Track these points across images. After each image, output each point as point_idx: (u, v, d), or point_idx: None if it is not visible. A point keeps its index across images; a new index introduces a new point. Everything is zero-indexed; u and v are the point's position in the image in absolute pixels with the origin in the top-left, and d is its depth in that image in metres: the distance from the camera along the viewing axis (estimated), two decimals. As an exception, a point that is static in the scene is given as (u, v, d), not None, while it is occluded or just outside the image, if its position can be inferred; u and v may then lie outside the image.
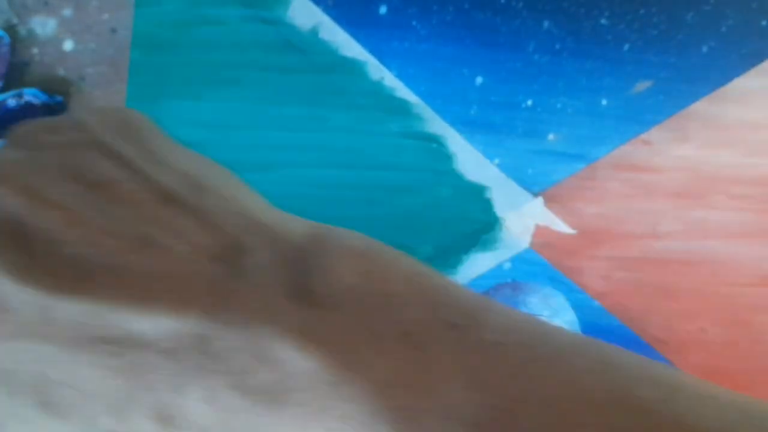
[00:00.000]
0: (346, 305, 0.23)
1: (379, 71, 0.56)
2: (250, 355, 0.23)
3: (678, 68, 0.56)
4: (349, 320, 0.23)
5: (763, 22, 0.56)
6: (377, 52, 0.56)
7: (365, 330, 0.23)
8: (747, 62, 0.56)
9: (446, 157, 0.56)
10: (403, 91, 0.56)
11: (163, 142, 0.30)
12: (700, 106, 0.56)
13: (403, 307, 0.24)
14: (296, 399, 0.22)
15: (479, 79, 0.56)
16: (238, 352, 0.23)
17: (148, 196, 0.26)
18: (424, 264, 0.26)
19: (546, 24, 0.56)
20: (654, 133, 0.56)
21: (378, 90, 0.56)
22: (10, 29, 0.53)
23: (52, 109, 0.53)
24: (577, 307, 0.56)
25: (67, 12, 0.54)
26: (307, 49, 0.56)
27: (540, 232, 0.56)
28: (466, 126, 0.56)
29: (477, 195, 0.56)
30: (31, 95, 0.53)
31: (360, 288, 0.24)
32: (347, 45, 0.56)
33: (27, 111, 0.53)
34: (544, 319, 0.27)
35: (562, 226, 0.56)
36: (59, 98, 0.54)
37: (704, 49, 0.56)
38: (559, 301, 0.55)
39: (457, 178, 0.56)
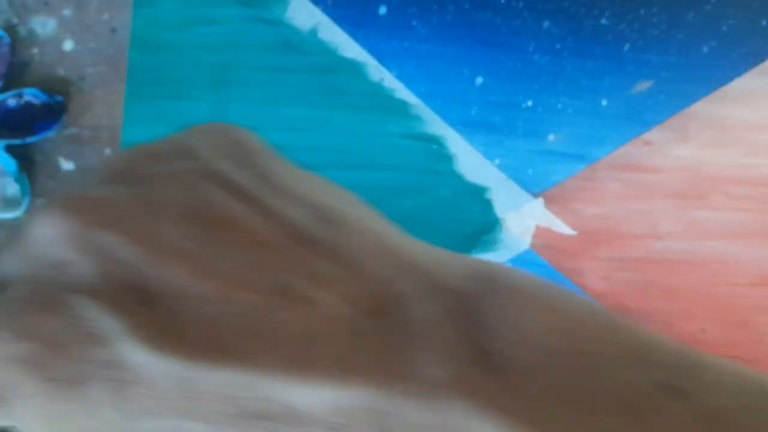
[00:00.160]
0: (541, 371, 0.19)
1: (378, 72, 0.56)
2: None
3: (678, 68, 0.56)
4: (547, 387, 0.19)
5: (764, 22, 0.56)
6: (377, 52, 0.56)
7: (568, 399, 0.19)
8: (748, 62, 0.56)
9: (446, 158, 0.56)
10: (402, 91, 0.56)
11: (278, 164, 0.25)
12: (701, 106, 0.56)
13: (612, 370, 0.20)
14: None
15: (479, 80, 0.56)
16: (426, 430, 0.19)
17: (278, 236, 0.22)
18: (616, 313, 0.22)
19: (546, 24, 0.56)
20: (654, 133, 0.56)
21: (378, 90, 0.56)
22: (10, 29, 0.53)
23: (53, 108, 0.53)
24: (578, 307, 0.56)
25: (67, 12, 0.54)
26: (306, 49, 0.56)
27: (540, 232, 0.56)
28: (466, 126, 0.56)
29: (477, 196, 0.56)
30: (31, 95, 0.53)
31: (549, 346, 0.20)
32: (347, 45, 0.56)
33: (27, 111, 0.53)
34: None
35: (562, 227, 0.56)
36: (59, 98, 0.54)
37: (705, 49, 0.56)
38: (560, 301, 0.55)
39: (457, 179, 0.56)
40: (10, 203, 0.53)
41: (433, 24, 0.56)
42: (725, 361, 0.21)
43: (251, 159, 0.24)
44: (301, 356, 0.19)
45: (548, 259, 0.56)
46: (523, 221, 0.56)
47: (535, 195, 0.56)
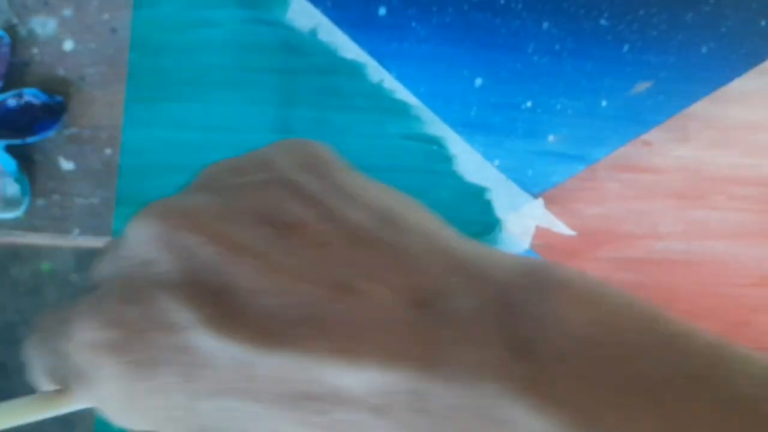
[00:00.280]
0: (576, 358, 0.21)
1: (378, 73, 0.56)
2: (474, 414, 0.21)
3: (678, 69, 0.56)
4: (585, 376, 0.20)
5: (763, 23, 0.56)
6: (377, 53, 0.56)
7: (606, 388, 0.20)
8: (747, 62, 0.56)
9: (446, 159, 0.56)
10: (402, 92, 0.56)
11: (350, 175, 0.28)
12: (700, 107, 0.56)
13: (644, 360, 0.21)
14: None
15: (479, 81, 0.56)
16: (460, 412, 0.21)
17: (342, 237, 0.24)
18: (658, 308, 0.23)
19: (545, 25, 0.56)
20: (654, 134, 0.56)
21: (377, 91, 0.56)
22: (10, 29, 0.54)
23: (53, 108, 0.53)
24: (578, 307, 0.56)
25: (67, 12, 0.54)
26: (306, 50, 0.56)
27: (540, 233, 0.56)
28: (465, 127, 0.56)
29: (477, 196, 0.56)
30: (31, 95, 0.53)
31: (590, 338, 0.21)
32: (346, 46, 0.56)
33: (27, 111, 0.53)
34: None
35: (562, 228, 0.56)
36: (59, 98, 0.54)
37: (704, 49, 0.56)
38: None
39: (457, 180, 0.56)
40: (10, 203, 0.53)
41: (432, 25, 0.56)
42: (762, 354, 0.22)
43: (324, 170, 0.27)
44: (349, 342, 0.21)
45: (548, 259, 0.56)
46: (523, 222, 0.56)
47: (535, 195, 0.56)
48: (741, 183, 0.56)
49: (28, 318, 0.53)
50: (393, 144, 0.56)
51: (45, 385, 0.26)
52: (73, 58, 0.54)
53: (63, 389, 0.25)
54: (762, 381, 0.21)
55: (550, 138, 0.56)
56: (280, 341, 0.22)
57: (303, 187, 0.26)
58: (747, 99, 0.56)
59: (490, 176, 0.56)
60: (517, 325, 0.22)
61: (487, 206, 0.56)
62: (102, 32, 0.54)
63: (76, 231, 0.54)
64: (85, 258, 0.53)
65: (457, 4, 0.56)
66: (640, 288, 0.56)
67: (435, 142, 0.56)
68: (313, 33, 0.56)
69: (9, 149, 0.52)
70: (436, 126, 0.56)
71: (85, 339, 0.24)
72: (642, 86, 0.56)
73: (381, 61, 0.56)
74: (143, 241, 0.24)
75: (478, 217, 0.56)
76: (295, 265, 0.23)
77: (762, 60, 0.56)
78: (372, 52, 0.56)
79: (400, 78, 0.56)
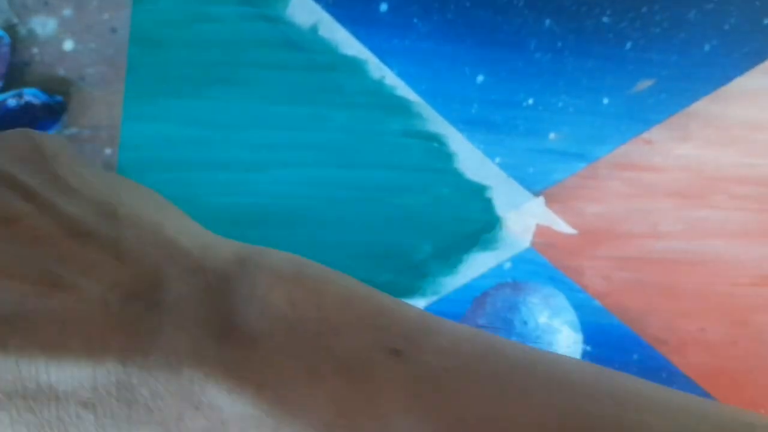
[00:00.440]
0: (276, 337, 0.22)
1: (379, 70, 0.56)
2: (179, 401, 0.21)
3: (680, 67, 0.56)
4: (282, 355, 0.22)
5: (766, 21, 0.56)
6: (378, 50, 0.56)
7: (300, 364, 0.21)
8: (749, 61, 0.56)
9: (447, 156, 0.56)
10: (403, 89, 0.56)
11: (76, 167, 0.28)
12: (702, 105, 0.56)
13: (340, 335, 0.22)
14: None
15: (480, 78, 0.56)
16: (165, 399, 0.21)
17: (56, 230, 0.24)
18: (362, 283, 0.24)
19: (547, 22, 0.56)
20: (655, 132, 0.56)
21: (378, 88, 0.56)
22: (10, 29, 0.53)
23: (53, 108, 0.53)
24: (578, 306, 0.56)
25: (67, 12, 0.54)
26: (306, 47, 0.56)
27: (541, 231, 0.56)
28: (466, 125, 0.56)
29: (477, 194, 0.56)
30: (31, 95, 0.53)
31: (290, 317, 0.22)
32: (347, 43, 0.56)
33: (27, 111, 0.53)
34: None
35: (563, 226, 0.56)
36: (59, 98, 0.53)
37: (706, 47, 0.56)
38: (560, 300, 0.56)
39: (458, 177, 0.56)
40: (11, 203, 0.53)
41: (434, 22, 0.56)
42: (464, 329, 0.24)
43: (47, 163, 0.27)
44: (56, 338, 0.21)
45: (549, 258, 0.56)
46: (524, 220, 0.56)
47: (536, 193, 0.56)
48: (742, 182, 0.56)
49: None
50: (393, 141, 0.56)
51: None
52: (73, 58, 0.54)
53: None
54: (454, 353, 0.22)
55: (551, 136, 0.56)
56: None
57: (18, 180, 0.25)
58: (749, 98, 0.56)
59: (491, 174, 0.56)
60: (225, 310, 0.22)
61: (487, 204, 0.56)
62: (102, 32, 0.54)
63: (77, 231, 0.54)
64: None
65: (458, 1, 0.56)
66: (639, 287, 0.56)
67: (435, 139, 0.56)
68: (313, 29, 0.56)
69: (9, 149, 0.52)
70: (436, 123, 0.56)
71: None
72: (644, 84, 0.56)
73: (382, 58, 0.56)
74: None
75: (478, 215, 0.56)
76: (3, 260, 0.23)
77: (765, 59, 0.56)
78: (373, 49, 0.56)
79: (401, 75, 0.56)
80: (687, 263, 0.56)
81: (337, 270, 0.26)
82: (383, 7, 0.56)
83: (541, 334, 0.55)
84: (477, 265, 0.56)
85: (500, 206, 0.56)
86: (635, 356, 0.55)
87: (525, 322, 0.55)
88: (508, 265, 0.56)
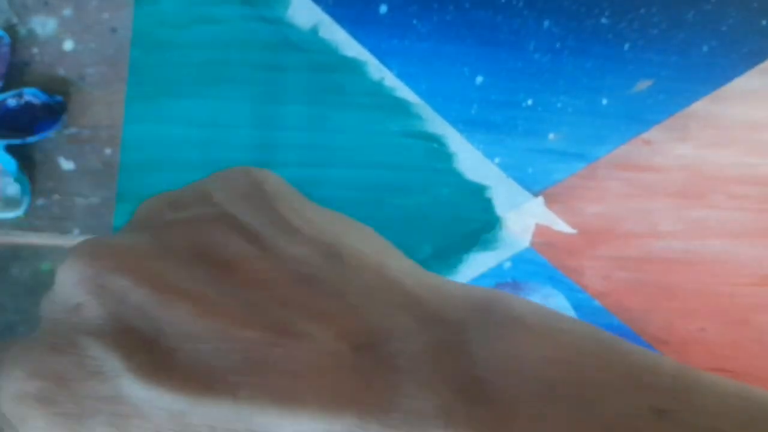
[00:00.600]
0: (532, 400, 0.20)
1: (379, 70, 0.56)
2: None
3: (679, 67, 0.56)
4: (541, 418, 0.20)
5: (764, 22, 0.56)
6: (377, 51, 0.56)
7: (563, 428, 0.19)
8: (748, 61, 0.56)
9: (446, 157, 0.56)
10: (403, 90, 0.56)
11: (295, 204, 0.27)
12: (701, 106, 0.56)
13: (602, 397, 0.20)
14: None
15: (479, 78, 0.56)
16: None
17: (281, 274, 0.23)
18: (612, 334, 0.22)
19: (546, 23, 0.56)
20: (654, 133, 0.56)
21: (378, 89, 0.56)
22: (10, 29, 0.53)
23: (53, 108, 0.53)
24: (578, 306, 0.56)
25: (67, 12, 0.54)
26: (306, 48, 0.56)
27: (540, 231, 0.56)
28: (466, 125, 0.56)
29: (477, 194, 0.56)
30: (31, 95, 0.53)
31: (549, 377, 0.20)
32: (347, 44, 0.56)
33: (27, 111, 0.53)
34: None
35: (562, 226, 0.56)
36: (59, 98, 0.54)
37: (705, 48, 0.56)
38: (560, 300, 0.55)
39: (458, 178, 0.56)
40: (10, 203, 0.53)
41: (433, 23, 0.56)
42: (727, 382, 0.21)
43: (267, 201, 0.26)
44: (287, 389, 0.20)
45: (548, 258, 0.56)
46: (524, 220, 0.56)
47: (536, 194, 0.56)
48: (741, 182, 0.56)
49: (28, 318, 0.53)
50: (393, 142, 0.56)
51: None
52: (73, 58, 0.54)
53: None
54: (722, 410, 0.20)
55: (551, 136, 0.56)
56: (214, 389, 0.21)
57: (241, 221, 0.25)
58: (748, 98, 0.56)
59: (491, 174, 0.56)
60: (468, 366, 0.21)
61: (487, 204, 0.56)
62: (102, 32, 0.54)
63: (76, 231, 0.54)
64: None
65: (458, 2, 0.56)
66: (639, 287, 0.56)
67: (435, 139, 0.56)
68: (313, 30, 0.56)
69: (9, 149, 0.52)
70: (436, 124, 0.56)
71: (11, 390, 0.22)
72: (643, 85, 0.56)
73: (382, 59, 0.56)
74: (70, 285, 0.23)
75: (478, 215, 0.56)
76: (231, 306, 0.22)
77: (763, 59, 0.56)
78: (373, 50, 0.56)
79: (401, 76, 0.56)
80: (687, 263, 0.56)
81: None
82: (383, 8, 0.56)
83: (540, 334, 0.55)
84: (477, 265, 0.56)
85: (500, 206, 0.56)
86: (635, 356, 0.55)
87: (525, 322, 0.55)
88: (507, 264, 0.56)
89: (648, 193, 0.56)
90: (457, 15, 0.56)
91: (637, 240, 0.56)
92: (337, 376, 0.20)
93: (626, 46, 0.56)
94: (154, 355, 0.21)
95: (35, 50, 0.54)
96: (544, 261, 0.56)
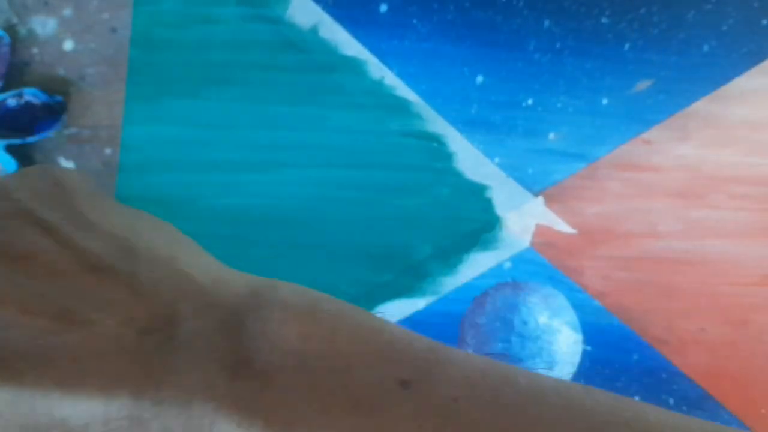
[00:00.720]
0: (288, 373, 0.22)
1: (379, 70, 0.56)
2: None
3: (679, 67, 0.56)
4: (294, 390, 0.22)
5: (764, 21, 0.56)
6: (377, 50, 0.56)
7: (312, 400, 0.21)
8: (748, 61, 0.56)
9: (446, 156, 0.56)
10: (403, 89, 0.56)
11: (96, 202, 0.28)
12: (701, 106, 0.56)
13: (351, 370, 0.22)
14: None
15: (480, 78, 0.56)
16: None
17: (74, 265, 0.24)
18: (375, 316, 0.24)
19: (546, 23, 0.56)
20: (654, 133, 0.56)
21: (378, 89, 0.56)
22: (10, 29, 0.53)
23: (53, 108, 0.53)
24: (578, 306, 0.56)
25: (67, 12, 0.54)
26: (306, 47, 0.56)
27: (540, 231, 0.56)
28: (466, 125, 0.56)
29: (477, 194, 0.56)
30: (31, 95, 0.53)
31: (303, 352, 0.22)
32: (347, 44, 0.56)
33: (27, 111, 0.53)
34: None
35: (562, 226, 0.56)
36: (59, 98, 0.53)
37: (705, 48, 0.56)
38: (560, 300, 0.56)
39: (458, 178, 0.56)
40: (11, 203, 0.53)
41: (433, 22, 0.56)
42: (475, 359, 0.24)
43: (67, 197, 0.27)
44: (71, 373, 0.21)
45: (548, 258, 0.56)
46: (524, 220, 0.56)
47: (536, 194, 0.56)
48: (741, 182, 0.56)
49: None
50: (393, 141, 0.56)
51: None
52: (73, 58, 0.54)
53: None
54: (464, 383, 0.22)
55: (551, 136, 0.56)
56: (2, 376, 0.21)
57: (38, 216, 0.25)
58: (748, 98, 0.56)
59: (491, 174, 0.56)
60: (237, 345, 0.22)
61: (487, 204, 0.56)
62: (102, 32, 0.54)
63: (77, 230, 0.54)
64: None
65: (458, 2, 0.56)
66: (639, 287, 0.56)
67: (435, 139, 0.56)
68: (313, 30, 0.56)
69: (9, 149, 0.52)
70: (436, 123, 0.56)
71: None
72: (643, 85, 0.56)
73: (382, 59, 0.56)
74: None
75: (478, 215, 0.56)
76: (21, 296, 0.23)
77: (763, 59, 0.56)
78: (373, 50, 0.56)
79: (401, 75, 0.56)
80: (687, 263, 0.56)
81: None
82: (383, 8, 0.56)
83: (540, 334, 0.55)
84: (477, 265, 0.56)
85: (500, 206, 0.56)
86: (635, 356, 0.55)
87: (525, 322, 0.55)
88: (507, 264, 0.56)
89: (648, 193, 0.56)
90: (458, 15, 0.56)
91: (637, 240, 0.56)
92: (118, 360, 0.22)
93: (626, 46, 0.56)
94: None
95: (35, 50, 0.54)
96: (544, 261, 0.56)
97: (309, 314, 0.23)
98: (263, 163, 0.55)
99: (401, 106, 0.56)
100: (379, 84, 0.56)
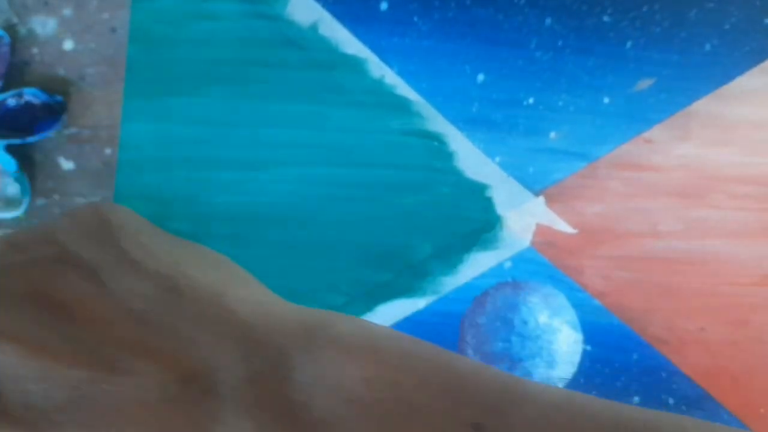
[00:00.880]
0: (350, 420, 0.20)
1: (379, 68, 0.56)
2: None
3: (680, 66, 0.56)
4: None
5: (767, 20, 0.56)
6: (378, 48, 0.56)
7: None
8: (750, 60, 0.56)
9: (447, 155, 0.56)
10: (403, 88, 0.56)
11: (142, 238, 0.27)
12: (703, 105, 0.56)
13: (420, 417, 0.20)
14: None
15: (480, 77, 0.56)
16: None
17: (115, 312, 0.23)
18: (441, 349, 0.22)
19: (548, 21, 0.56)
20: (656, 132, 0.56)
21: (378, 87, 0.56)
22: (10, 29, 0.53)
23: (53, 108, 0.53)
24: (578, 306, 0.56)
25: (67, 12, 0.54)
26: (306, 45, 0.56)
27: (541, 230, 0.56)
28: (467, 124, 0.56)
29: (478, 193, 0.56)
30: (31, 95, 0.52)
31: (366, 398, 0.21)
32: (347, 41, 0.56)
33: (27, 111, 0.53)
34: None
35: (563, 225, 0.56)
36: (59, 98, 0.53)
37: (707, 47, 0.56)
38: (560, 300, 0.56)
39: (458, 177, 0.56)
40: (10, 203, 0.53)
41: (434, 20, 0.56)
42: (553, 393, 0.22)
43: (112, 236, 0.26)
44: (113, 425, 0.21)
45: (549, 257, 0.56)
46: (524, 219, 0.56)
47: (536, 193, 0.56)
48: (742, 181, 0.56)
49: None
50: (393, 140, 0.56)
51: None
52: (73, 58, 0.54)
53: None
54: (537, 423, 0.21)
55: (552, 135, 0.56)
56: (42, 429, 0.21)
57: (82, 259, 0.25)
58: (749, 97, 0.56)
59: (491, 173, 0.56)
60: (289, 390, 0.21)
61: (487, 203, 0.56)
62: (102, 32, 0.54)
63: (77, 231, 0.54)
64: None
65: (459, 0, 0.55)
66: (639, 286, 0.56)
67: (436, 138, 0.56)
68: (313, 27, 0.56)
69: (9, 149, 0.52)
70: (437, 122, 0.56)
71: None
72: (644, 83, 0.56)
73: (382, 57, 0.56)
74: None
75: (478, 214, 0.56)
76: (61, 346, 0.22)
77: (765, 58, 0.56)
78: (373, 48, 0.56)
79: (402, 74, 0.56)
80: (687, 263, 0.56)
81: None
82: (383, 5, 0.55)
83: (541, 333, 0.55)
84: (477, 265, 0.56)
85: (500, 205, 0.56)
86: (635, 356, 0.56)
87: (525, 322, 0.55)
88: (508, 264, 0.56)
89: (648, 192, 0.56)
90: (459, 12, 0.56)
91: (638, 239, 0.56)
92: (161, 410, 0.21)
93: (628, 45, 0.56)
94: None
95: (35, 50, 0.54)
96: (544, 260, 0.56)
97: (370, 355, 0.22)
98: (262, 162, 0.55)
99: (401, 105, 0.56)
100: (379, 82, 0.56)
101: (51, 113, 0.53)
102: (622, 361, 0.55)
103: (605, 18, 0.56)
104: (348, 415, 0.20)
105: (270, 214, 0.55)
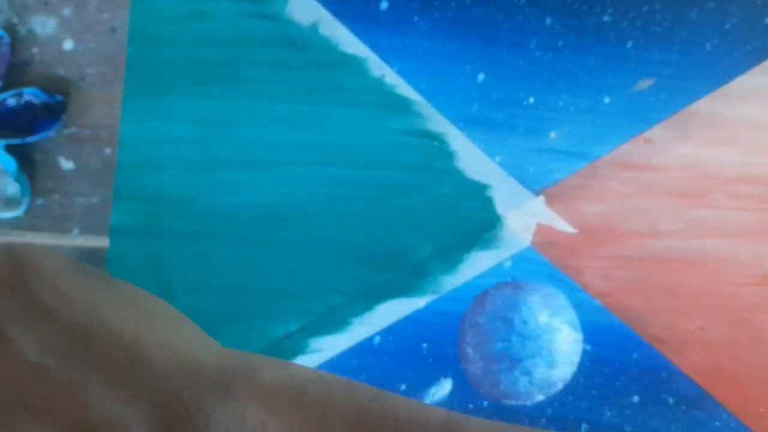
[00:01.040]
0: None
1: (379, 68, 0.56)
2: None
3: (681, 66, 0.56)
4: None
5: (767, 20, 0.56)
6: (378, 48, 0.56)
7: None
8: (750, 60, 0.56)
9: (447, 155, 0.56)
10: (403, 87, 0.56)
11: (59, 282, 0.26)
12: (703, 104, 0.56)
13: None
14: None
15: (481, 76, 0.56)
16: None
17: (17, 371, 0.22)
18: (375, 390, 0.22)
19: (548, 20, 0.56)
20: (656, 132, 0.56)
21: (378, 87, 0.56)
22: (10, 29, 0.53)
23: (53, 108, 0.53)
24: (578, 306, 0.56)
25: (67, 12, 0.54)
26: (306, 45, 0.56)
27: (541, 230, 0.56)
28: (467, 123, 0.56)
29: (478, 193, 0.56)
30: (31, 95, 0.52)
31: None
32: (347, 41, 0.56)
33: (27, 111, 0.53)
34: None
35: (563, 225, 0.56)
36: (59, 98, 0.53)
37: (708, 46, 0.56)
38: (560, 300, 0.56)
39: (458, 176, 0.56)
40: (10, 203, 0.53)
41: (434, 20, 0.56)
42: (491, 426, 0.22)
43: (27, 285, 0.25)
44: None
45: (549, 257, 0.56)
46: (524, 219, 0.56)
47: (537, 193, 0.56)
48: (742, 181, 0.56)
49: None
50: (393, 140, 0.56)
51: None
52: (73, 58, 0.54)
53: None
54: None
55: (552, 135, 0.56)
56: None
57: None
58: (750, 97, 0.56)
59: (491, 173, 0.56)
60: None
61: (487, 203, 0.56)
62: (102, 32, 0.54)
63: (76, 231, 0.54)
64: (85, 258, 0.53)
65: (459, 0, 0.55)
66: (639, 286, 0.56)
67: (436, 138, 0.56)
68: (313, 27, 0.56)
69: (9, 149, 0.52)
70: (437, 122, 0.56)
71: None
72: (645, 83, 0.56)
73: (382, 56, 0.56)
74: None
75: (478, 214, 0.56)
76: None
77: (766, 57, 0.56)
78: (373, 47, 0.56)
79: (402, 73, 0.56)
80: (687, 263, 0.56)
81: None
82: (384, 4, 0.55)
83: (541, 333, 0.55)
84: (477, 264, 0.56)
85: (501, 205, 0.56)
86: (635, 356, 0.55)
87: (525, 322, 0.55)
88: (508, 264, 0.56)
89: (649, 192, 0.56)
90: (459, 12, 0.56)
91: (638, 239, 0.56)
92: None
93: (628, 44, 0.56)
94: None
95: (35, 50, 0.54)
96: (544, 260, 0.56)
97: (294, 403, 0.21)
98: (262, 161, 0.55)
99: (402, 104, 0.56)
100: (379, 82, 0.56)
101: (51, 113, 0.53)
102: (622, 360, 0.55)
103: (605, 18, 0.56)
104: None
105: (270, 214, 0.55)
